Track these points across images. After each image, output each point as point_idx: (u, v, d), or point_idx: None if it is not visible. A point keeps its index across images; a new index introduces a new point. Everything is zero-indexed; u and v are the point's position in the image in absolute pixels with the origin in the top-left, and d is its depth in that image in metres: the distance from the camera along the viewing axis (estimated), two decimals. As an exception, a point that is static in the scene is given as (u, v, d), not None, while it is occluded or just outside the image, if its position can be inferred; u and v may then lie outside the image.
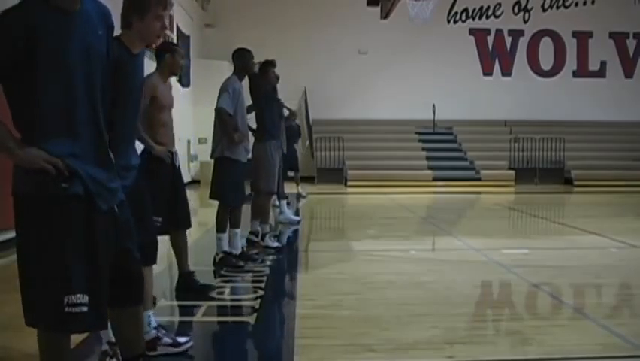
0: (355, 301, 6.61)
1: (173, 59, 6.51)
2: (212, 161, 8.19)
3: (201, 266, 7.62)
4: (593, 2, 28.13)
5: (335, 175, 23.97)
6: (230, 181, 8.05)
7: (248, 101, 8.76)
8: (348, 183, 23.10)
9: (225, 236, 8.25)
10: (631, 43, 28.81)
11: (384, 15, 24.95)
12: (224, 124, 7.92)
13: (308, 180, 22.31)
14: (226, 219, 8.25)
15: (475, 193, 21.17)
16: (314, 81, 26.02)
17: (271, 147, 9.45)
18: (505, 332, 5.71)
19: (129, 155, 4.39)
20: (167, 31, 19.10)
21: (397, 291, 7.07)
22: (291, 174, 15.92)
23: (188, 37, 21.72)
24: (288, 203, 13.36)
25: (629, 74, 28.79)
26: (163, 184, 6.29)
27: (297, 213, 13.93)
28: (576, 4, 28.28)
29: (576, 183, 24.04)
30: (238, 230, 8.49)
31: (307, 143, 25.11)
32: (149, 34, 4.32)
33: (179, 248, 6.69)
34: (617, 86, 28.31)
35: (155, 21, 4.28)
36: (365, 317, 5.99)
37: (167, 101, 6.35)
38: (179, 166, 6.54)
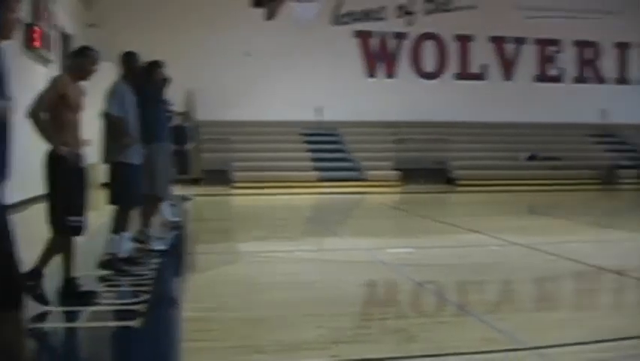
0: (242, 302, 6.61)
1: (80, 63, 6.48)
2: (106, 166, 8.10)
3: (85, 270, 7.46)
4: (474, 7, 28.76)
5: (221, 177, 23.80)
6: (125, 184, 7.94)
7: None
8: (235, 184, 23.01)
9: (116, 238, 8.11)
10: (510, 47, 29.64)
11: (269, 16, 25.03)
12: (115, 128, 7.82)
13: (194, 181, 22.16)
14: (120, 222, 8.13)
15: (360, 194, 21.41)
16: (200, 82, 25.75)
17: (158, 149, 9.33)
18: (390, 330, 5.78)
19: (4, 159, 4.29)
20: (53, 32, 18.66)
21: (284, 292, 7.09)
22: (179, 176, 15.77)
23: (70, 37, 21.25)
24: (172, 205, 13.21)
25: (508, 76, 29.61)
26: (73, 184, 6.25)
27: (181, 215, 13.78)
28: (458, 9, 28.87)
29: (459, 182, 24.59)
30: (127, 233, 8.35)
31: (193, 144, 24.88)
32: (4, 27, 4.25)
33: (68, 252, 6.55)
34: (497, 88, 29.05)
35: (9, 14, 4.21)
36: (252, 318, 5.99)
37: (77, 102, 6.32)
38: (84, 168, 6.48)
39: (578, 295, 7.55)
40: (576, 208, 18.24)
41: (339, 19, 27.94)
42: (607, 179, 25.31)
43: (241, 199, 20.47)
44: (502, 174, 24.69)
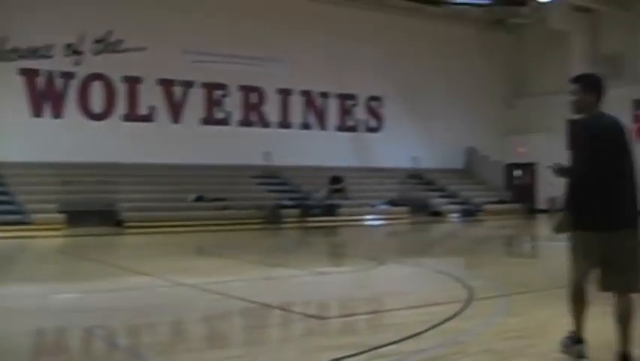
0: None
1: None
2: None
3: None
4: (143, 49, 28.84)
5: None
6: None
7: None
8: None
9: None
10: (178, 90, 30.07)
11: None
12: None
13: None
14: None
15: (25, 238, 20.63)
16: None
17: None
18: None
19: None
20: None
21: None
22: None
23: None
24: None
25: (176, 119, 29.97)
26: None
27: None
28: (127, 51, 28.81)
29: (127, 224, 24.44)
30: None
31: None
32: None
33: None
34: (165, 130, 29.31)
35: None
36: None
37: None
38: None
39: (247, 332, 7.82)
40: (242, 247, 18.81)
41: (4, 55, 26.82)
42: (271, 218, 26.41)
43: None
44: (171, 215, 25.02)
